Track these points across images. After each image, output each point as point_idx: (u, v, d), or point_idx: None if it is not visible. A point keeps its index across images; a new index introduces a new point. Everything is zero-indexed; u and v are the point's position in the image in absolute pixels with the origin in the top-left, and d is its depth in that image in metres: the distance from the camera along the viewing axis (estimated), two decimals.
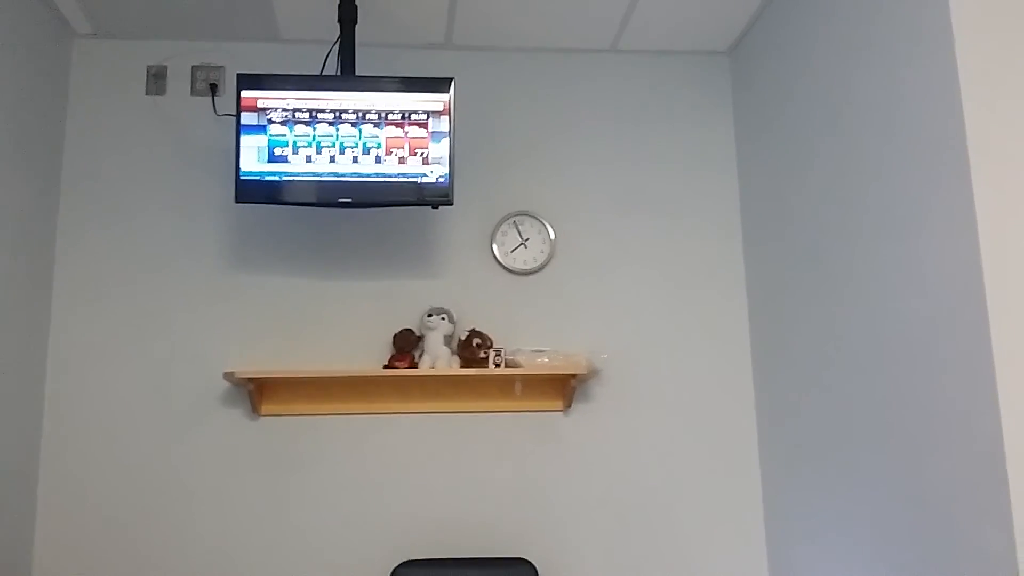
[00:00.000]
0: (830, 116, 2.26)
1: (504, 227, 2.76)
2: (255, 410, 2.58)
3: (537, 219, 2.78)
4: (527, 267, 2.75)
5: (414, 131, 2.43)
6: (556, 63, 2.89)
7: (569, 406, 2.68)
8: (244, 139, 2.38)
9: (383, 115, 2.42)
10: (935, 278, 1.79)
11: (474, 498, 2.62)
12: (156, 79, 2.76)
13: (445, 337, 2.59)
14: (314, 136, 2.40)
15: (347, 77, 2.49)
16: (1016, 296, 1.63)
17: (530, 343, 2.68)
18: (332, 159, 2.40)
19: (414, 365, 2.57)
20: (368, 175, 2.41)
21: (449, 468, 2.63)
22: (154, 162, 2.72)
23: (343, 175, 2.40)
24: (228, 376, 2.46)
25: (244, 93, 2.40)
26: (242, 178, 2.38)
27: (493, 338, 2.64)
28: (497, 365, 2.55)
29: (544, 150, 2.84)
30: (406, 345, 2.59)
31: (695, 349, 2.76)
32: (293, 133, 2.40)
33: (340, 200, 2.40)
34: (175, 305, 2.64)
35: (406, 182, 2.42)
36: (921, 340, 1.84)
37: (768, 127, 2.66)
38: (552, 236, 2.77)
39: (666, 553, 2.64)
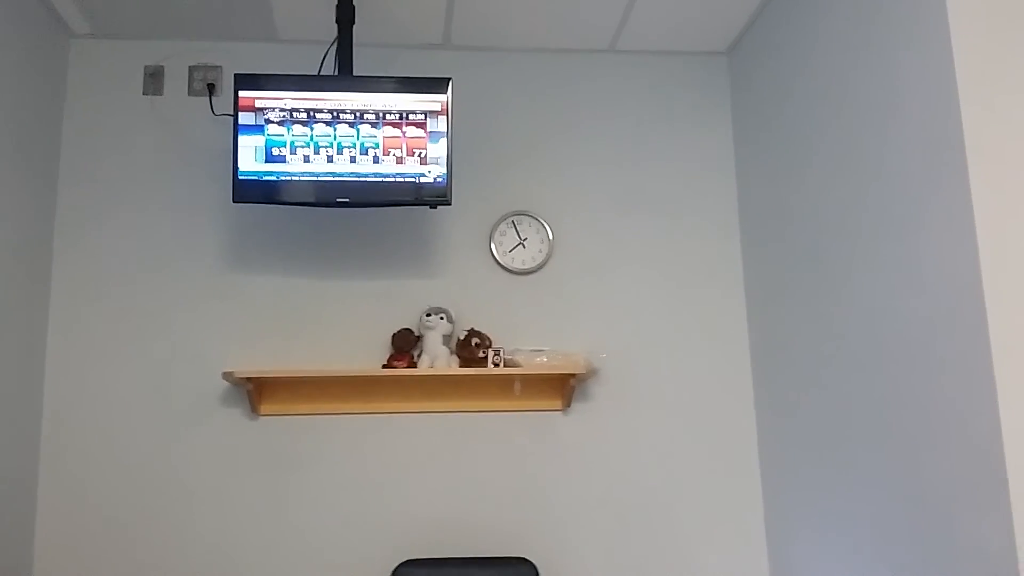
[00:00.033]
0: (828, 116, 2.26)
1: (502, 227, 2.76)
2: (254, 410, 2.58)
3: (535, 219, 2.78)
4: (526, 267, 2.75)
5: (412, 131, 2.43)
6: (554, 63, 2.89)
7: (568, 406, 2.68)
8: (242, 139, 2.38)
9: (381, 115, 2.42)
10: (934, 277, 1.79)
11: (473, 497, 2.62)
12: (153, 79, 2.76)
13: (444, 337, 2.60)
14: (312, 136, 2.40)
15: (345, 77, 2.49)
16: (1014, 295, 1.63)
17: (529, 343, 2.68)
18: (330, 159, 2.40)
19: (413, 365, 2.57)
20: (366, 175, 2.41)
21: (448, 468, 2.63)
22: (152, 162, 2.71)
23: (341, 175, 2.40)
24: (227, 376, 2.46)
25: (242, 93, 2.39)
26: (240, 178, 2.38)
27: (492, 338, 2.64)
28: (496, 365, 2.55)
29: (542, 150, 2.84)
30: (405, 345, 2.59)
31: (694, 348, 2.76)
32: (291, 133, 2.40)
33: (338, 200, 2.40)
34: (174, 305, 2.64)
35: (404, 182, 2.42)
36: (920, 339, 1.84)
37: (767, 127, 2.66)
38: (551, 236, 2.77)
39: (666, 552, 2.64)
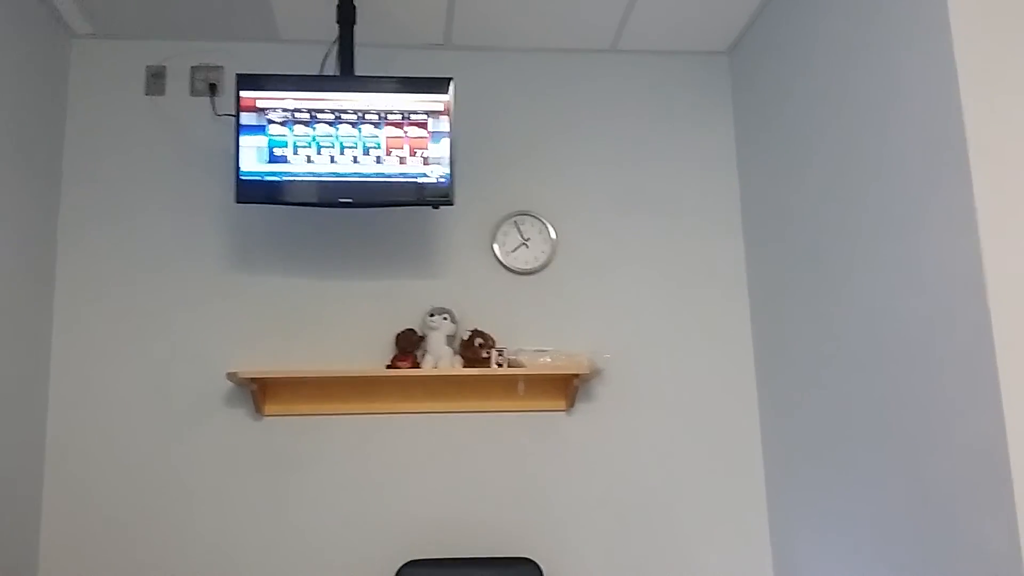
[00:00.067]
0: (830, 115, 2.26)
1: (505, 227, 2.77)
2: (258, 410, 2.58)
3: (538, 219, 2.78)
4: (528, 267, 2.75)
5: (414, 131, 2.43)
6: (556, 63, 2.89)
7: (572, 406, 2.69)
8: (244, 139, 2.38)
9: (383, 115, 2.42)
10: (935, 277, 1.80)
11: (477, 498, 2.62)
12: (155, 79, 2.76)
13: (447, 337, 2.60)
14: (314, 136, 2.40)
15: (346, 77, 2.49)
16: (1017, 293, 1.64)
17: (532, 343, 2.68)
18: (332, 159, 2.40)
19: (417, 365, 2.58)
20: (368, 175, 2.41)
21: (452, 468, 2.63)
22: (154, 162, 2.71)
23: (343, 175, 2.40)
24: (231, 376, 2.46)
25: (243, 93, 2.39)
26: (242, 178, 2.38)
27: (495, 338, 2.64)
28: (499, 365, 2.56)
29: (544, 150, 2.84)
30: (409, 345, 2.59)
31: (697, 349, 2.77)
32: (293, 133, 2.40)
33: (340, 200, 2.40)
34: (177, 305, 2.64)
35: (406, 182, 2.42)
36: (923, 338, 1.85)
37: (768, 126, 2.66)
38: (553, 236, 2.78)
39: (671, 553, 2.65)
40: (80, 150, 2.69)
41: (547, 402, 2.68)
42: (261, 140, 2.39)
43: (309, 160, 2.39)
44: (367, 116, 2.42)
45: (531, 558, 2.54)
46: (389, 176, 2.41)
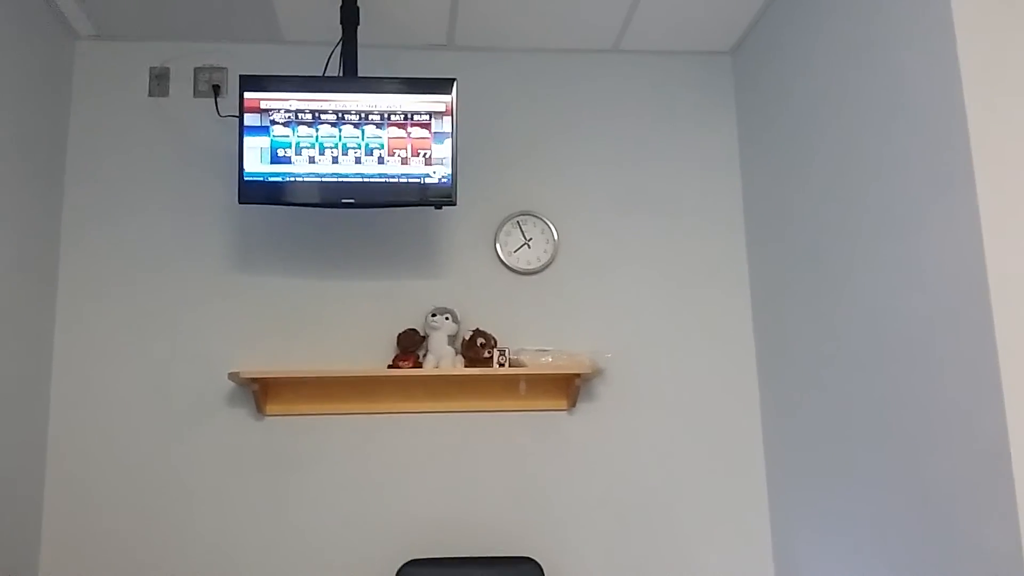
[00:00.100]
0: (833, 115, 2.26)
1: (507, 227, 2.77)
2: (260, 410, 2.58)
3: (540, 219, 2.78)
4: (530, 267, 2.75)
5: (417, 132, 2.43)
6: (559, 63, 2.89)
7: (573, 405, 2.69)
8: (247, 140, 2.39)
9: (386, 116, 2.43)
10: (938, 277, 1.79)
11: (479, 498, 2.62)
12: (159, 80, 2.77)
13: (449, 337, 2.60)
14: (317, 137, 2.41)
15: (349, 78, 2.49)
16: (1020, 293, 1.63)
17: (534, 343, 2.68)
18: (335, 160, 2.41)
19: (418, 365, 2.58)
20: (371, 176, 2.41)
21: (454, 468, 2.63)
22: (157, 163, 2.72)
23: (346, 176, 2.40)
24: (233, 376, 2.47)
25: (247, 94, 2.40)
26: (245, 179, 2.38)
27: (497, 338, 2.64)
28: (501, 365, 2.56)
29: (547, 150, 2.84)
30: (410, 345, 2.60)
31: (700, 349, 2.77)
32: (296, 134, 2.40)
33: (343, 201, 2.41)
34: (179, 305, 2.65)
35: (409, 182, 2.42)
36: (925, 338, 1.84)
37: (771, 126, 2.66)
38: (555, 236, 2.78)
39: (671, 553, 2.64)
40: (83, 151, 2.70)
41: (549, 402, 2.68)
42: (264, 141, 2.39)
43: (312, 161, 2.40)
44: (370, 117, 2.42)
45: (532, 558, 2.53)
46: (392, 176, 2.42)
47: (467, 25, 2.72)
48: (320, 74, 2.64)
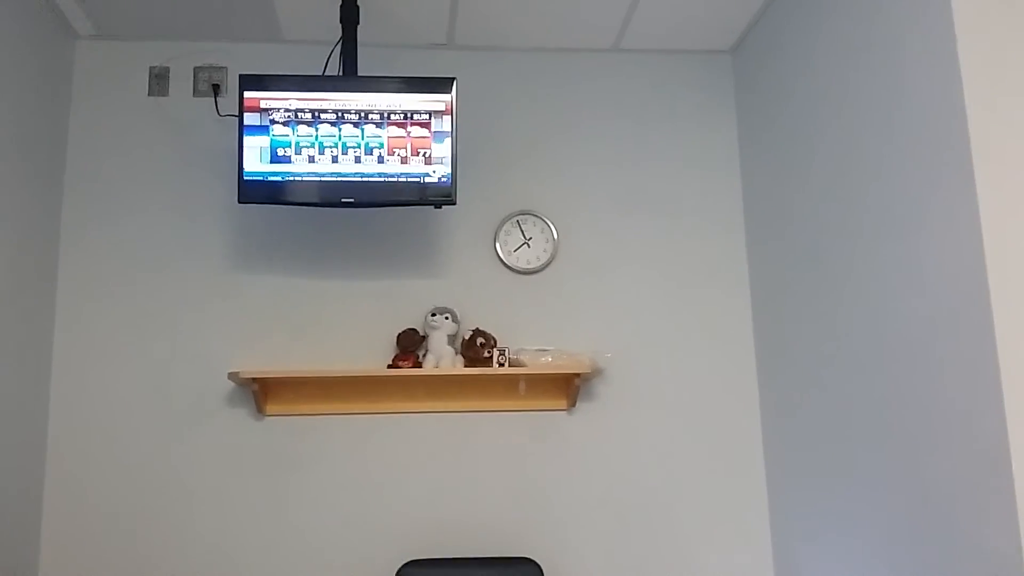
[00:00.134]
0: (833, 114, 2.26)
1: (507, 226, 2.77)
2: (260, 410, 2.58)
3: (540, 218, 2.78)
4: (530, 266, 2.75)
5: (416, 131, 2.43)
6: (559, 63, 2.89)
7: (573, 405, 2.68)
8: (247, 139, 2.39)
9: (385, 115, 2.42)
10: (938, 277, 1.79)
11: (478, 498, 2.62)
12: (158, 80, 2.76)
13: (449, 337, 2.60)
14: (317, 136, 2.40)
15: (349, 77, 2.49)
16: (1020, 293, 1.63)
17: (534, 342, 2.68)
18: (335, 159, 2.40)
19: (418, 365, 2.58)
20: (371, 175, 2.41)
21: (453, 468, 2.63)
22: (157, 163, 2.72)
23: (346, 175, 2.40)
24: (233, 376, 2.47)
25: (247, 94, 2.40)
26: (245, 178, 2.38)
27: (497, 337, 2.64)
28: (501, 364, 2.56)
29: (547, 150, 2.84)
30: (410, 345, 2.59)
31: (700, 348, 2.76)
32: (296, 133, 2.40)
33: (343, 200, 2.40)
34: (179, 305, 2.64)
35: (409, 182, 2.42)
36: (925, 338, 1.84)
37: (771, 126, 2.66)
38: (555, 235, 2.78)
39: (671, 553, 2.64)
40: (83, 150, 2.70)
41: (548, 402, 2.68)
42: (264, 140, 2.39)
43: (311, 160, 2.40)
44: (370, 116, 2.42)
45: (532, 558, 2.54)
46: (391, 176, 2.42)
47: (467, 24, 2.72)
48: (320, 73, 2.64)
